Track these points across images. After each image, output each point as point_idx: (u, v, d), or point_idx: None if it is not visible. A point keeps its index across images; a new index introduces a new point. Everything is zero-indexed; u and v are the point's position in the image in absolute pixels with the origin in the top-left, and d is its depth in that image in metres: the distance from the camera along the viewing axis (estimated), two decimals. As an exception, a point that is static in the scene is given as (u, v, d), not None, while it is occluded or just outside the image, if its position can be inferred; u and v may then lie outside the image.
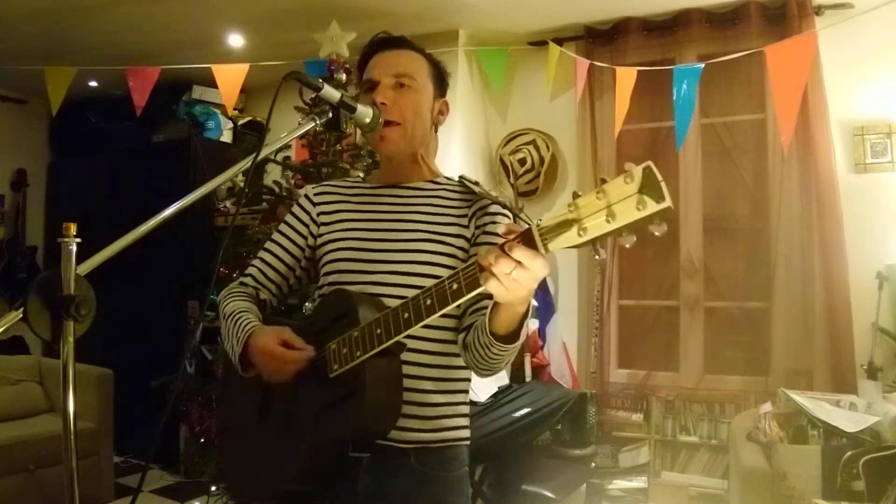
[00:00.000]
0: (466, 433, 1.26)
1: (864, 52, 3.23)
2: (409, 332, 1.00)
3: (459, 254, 1.22)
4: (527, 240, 0.84)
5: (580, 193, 0.78)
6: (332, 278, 1.24)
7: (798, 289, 3.29)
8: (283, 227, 1.35)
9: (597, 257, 0.81)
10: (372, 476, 1.15)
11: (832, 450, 2.33)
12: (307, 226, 1.33)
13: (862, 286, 3.14)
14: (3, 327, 0.82)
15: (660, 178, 0.72)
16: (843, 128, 3.28)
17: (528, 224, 0.86)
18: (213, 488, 2.84)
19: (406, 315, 0.98)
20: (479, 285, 0.90)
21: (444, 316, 0.98)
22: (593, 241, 0.78)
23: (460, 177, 1.28)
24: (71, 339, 0.85)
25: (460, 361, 1.21)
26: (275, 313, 1.37)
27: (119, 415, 3.50)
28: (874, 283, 3.11)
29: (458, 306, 0.99)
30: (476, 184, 1.23)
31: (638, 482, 3.51)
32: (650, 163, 0.73)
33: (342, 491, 1.15)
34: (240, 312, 1.22)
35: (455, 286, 0.93)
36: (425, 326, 1.00)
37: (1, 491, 2.92)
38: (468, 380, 1.27)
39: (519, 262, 0.85)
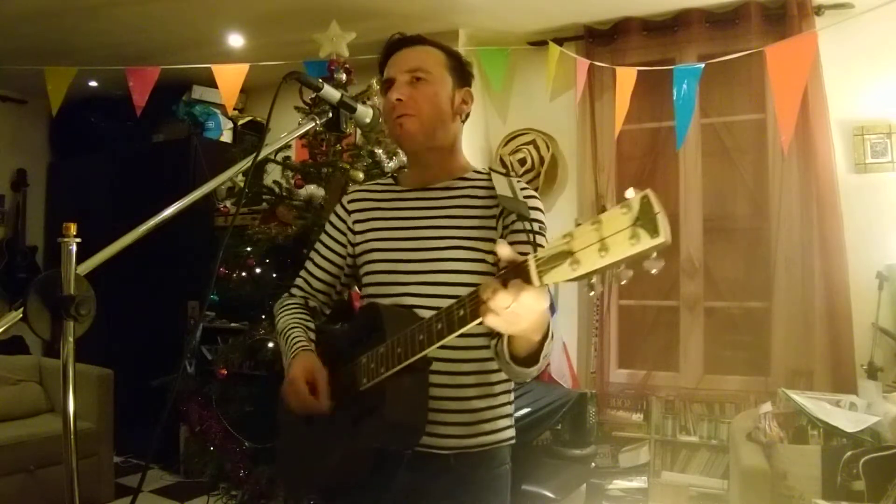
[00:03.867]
0: (509, 433, 1.26)
1: (864, 52, 3.23)
2: (426, 352, 1.00)
3: (489, 258, 1.21)
4: (523, 272, 0.81)
5: (580, 222, 0.74)
6: (369, 290, 1.28)
7: (798, 289, 3.29)
8: (323, 237, 1.38)
9: (591, 293, 0.76)
10: (411, 472, 1.17)
11: (832, 450, 2.33)
12: (344, 234, 1.34)
13: (862, 286, 3.14)
14: (3, 327, 0.82)
15: (657, 209, 0.66)
16: (843, 128, 3.28)
17: (532, 249, 0.84)
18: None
19: (421, 337, 0.99)
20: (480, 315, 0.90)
21: None
22: (587, 276, 0.73)
23: (490, 169, 1.26)
24: (71, 339, 0.85)
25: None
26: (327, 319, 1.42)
27: (119, 415, 3.50)
28: (874, 283, 3.11)
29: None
30: (507, 175, 1.21)
31: (638, 482, 3.51)
32: (649, 191, 0.67)
33: (381, 485, 1.17)
34: (290, 329, 1.27)
35: (462, 312, 0.92)
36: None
37: (1, 491, 2.92)
38: (509, 379, 1.26)
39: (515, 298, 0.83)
